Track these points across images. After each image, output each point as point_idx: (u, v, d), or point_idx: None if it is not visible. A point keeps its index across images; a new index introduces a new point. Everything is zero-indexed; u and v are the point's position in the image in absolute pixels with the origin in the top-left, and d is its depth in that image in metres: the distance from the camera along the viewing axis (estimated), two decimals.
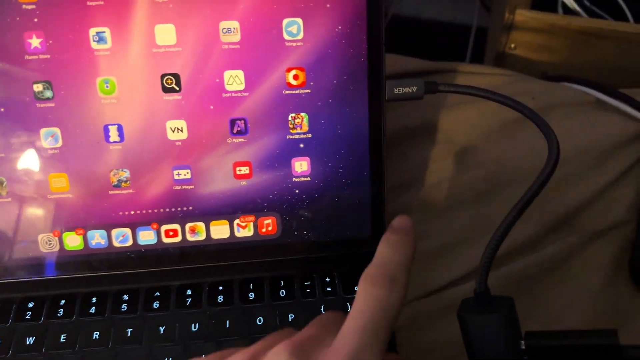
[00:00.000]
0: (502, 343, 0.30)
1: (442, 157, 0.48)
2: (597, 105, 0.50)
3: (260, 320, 0.40)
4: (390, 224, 0.32)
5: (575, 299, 0.40)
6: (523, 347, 0.30)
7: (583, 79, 0.52)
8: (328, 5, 0.35)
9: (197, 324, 0.40)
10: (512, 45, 0.59)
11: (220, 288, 0.41)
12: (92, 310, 0.40)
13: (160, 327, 0.40)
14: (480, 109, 0.49)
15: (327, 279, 0.42)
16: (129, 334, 0.39)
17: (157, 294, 0.41)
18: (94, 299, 0.40)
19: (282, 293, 0.41)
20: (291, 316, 0.40)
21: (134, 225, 0.38)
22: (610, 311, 0.40)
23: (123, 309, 0.40)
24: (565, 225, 0.44)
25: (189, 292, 0.41)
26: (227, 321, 0.40)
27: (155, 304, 0.41)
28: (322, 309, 0.41)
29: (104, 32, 0.35)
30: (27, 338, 0.38)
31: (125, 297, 0.41)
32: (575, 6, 0.60)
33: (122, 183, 0.38)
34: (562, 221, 0.44)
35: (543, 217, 0.43)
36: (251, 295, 0.41)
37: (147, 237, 0.39)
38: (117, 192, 0.38)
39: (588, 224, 0.44)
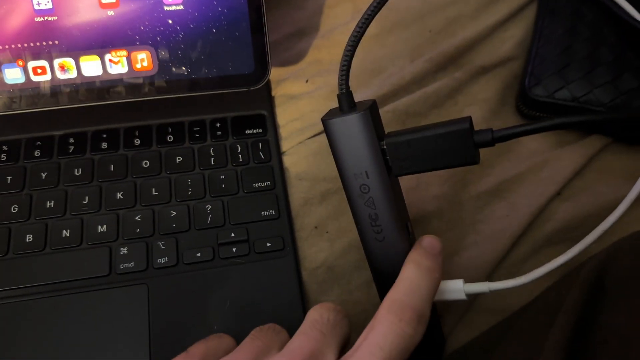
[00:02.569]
0: (364, 144, 0.30)
1: (336, 4, 0.47)
2: None
3: (146, 164, 0.39)
4: (418, 241, 0.29)
5: None
6: (384, 147, 0.30)
7: None
8: None
9: (80, 169, 0.39)
10: None
11: (104, 135, 0.40)
12: None
13: (43, 173, 0.39)
14: None
15: (218, 124, 0.41)
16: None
17: (39, 143, 0.40)
18: None
19: (170, 138, 0.41)
20: (179, 159, 0.40)
21: None
22: None
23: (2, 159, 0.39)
24: (453, 63, 0.44)
25: (71, 140, 0.40)
26: (112, 166, 0.39)
27: (37, 153, 0.40)
28: (211, 151, 0.40)
29: None
30: None
31: (5, 147, 0.40)
32: None
33: None
34: (450, 59, 0.44)
35: (431, 56, 0.43)
36: (137, 141, 0.40)
37: (14, 75, 0.37)
38: None
39: (476, 61, 0.44)
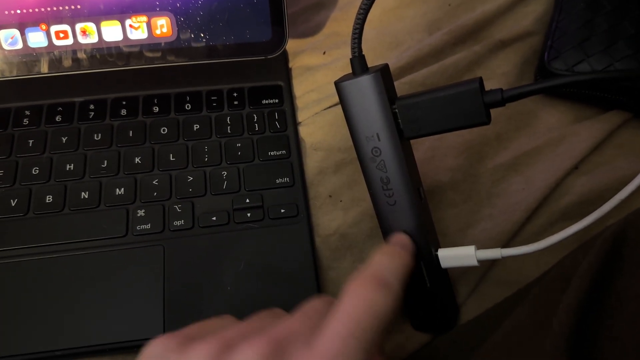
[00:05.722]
0: (375, 106, 0.30)
1: None
2: None
3: (164, 131, 0.40)
4: (387, 239, 0.31)
5: None
6: (396, 110, 0.30)
7: None
8: None
9: (99, 134, 0.40)
10: None
11: (124, 102, 0.41)
12: None
13: (63, 138, 0.39)
14: None
15: (235, 94, 0.42)
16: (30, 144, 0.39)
17: (60, 108, 0.41)
18: None
19: (188, 107, 0.41)
20: (196, 126, 0.40)
21: (22, 26, 0.37)
22: (516, 113, 0.41)
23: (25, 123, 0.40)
24: (472, 37, 0.44)
25: (91, 106, 0.41)
26: (130, 132, 0.40)
27: (58, 118, 0.40)
28: (228, 120, 0.41)
29: None
30: None
31: (28, 112, 0.40)
32: None
33: None
34: (469, 33, 0.43)
35: (450, 29, 0.43)
36: (155, 108, 0.41)
37: (37, 38, 0.37)
38: None
39: (495, 35, 0.43)
